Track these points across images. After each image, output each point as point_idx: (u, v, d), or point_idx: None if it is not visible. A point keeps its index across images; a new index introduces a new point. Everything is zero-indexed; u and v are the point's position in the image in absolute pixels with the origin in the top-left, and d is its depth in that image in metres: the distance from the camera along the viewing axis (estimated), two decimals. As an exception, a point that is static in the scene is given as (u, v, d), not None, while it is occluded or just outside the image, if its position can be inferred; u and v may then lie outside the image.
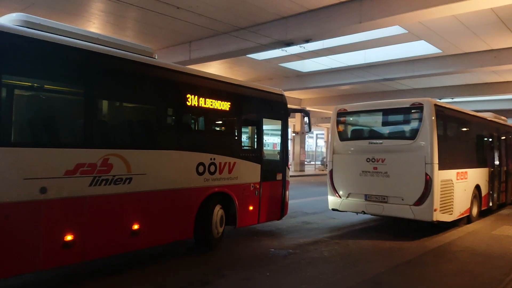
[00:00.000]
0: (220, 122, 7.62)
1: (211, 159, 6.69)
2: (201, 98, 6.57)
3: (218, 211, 6.91)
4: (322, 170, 31.16)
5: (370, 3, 9.42)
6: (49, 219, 4.67)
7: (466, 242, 7.79)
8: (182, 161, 6.27)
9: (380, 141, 8.75)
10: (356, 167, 8.84)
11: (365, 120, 9.72)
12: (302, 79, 19.47)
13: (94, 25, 12.03)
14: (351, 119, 9.69)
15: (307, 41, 11.37)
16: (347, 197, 9.02)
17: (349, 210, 9.12)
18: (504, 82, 18.78)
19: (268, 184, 7.99)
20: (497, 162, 11.75)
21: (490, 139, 11.52)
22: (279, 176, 8.27)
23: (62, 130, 5.18)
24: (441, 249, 7.25)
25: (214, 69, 17.71)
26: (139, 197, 5.59)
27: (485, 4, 8.45)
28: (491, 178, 11.18)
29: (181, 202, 6.28)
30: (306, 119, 8.77)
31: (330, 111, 9.98)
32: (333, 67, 16.70)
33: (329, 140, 9.77)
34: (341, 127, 9.57)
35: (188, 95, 6.40)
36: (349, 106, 9.65)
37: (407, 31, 11.96)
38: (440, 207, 8.03)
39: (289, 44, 11.63)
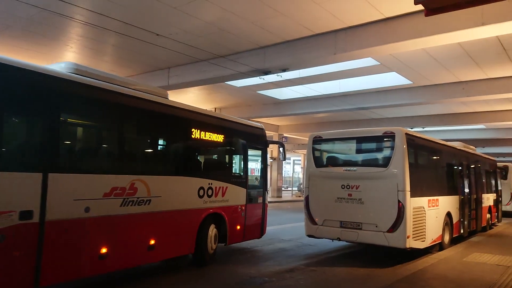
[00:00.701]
0: (216, 152, 8.70)
1: (209, 184, 7.63)
2: (202, 132, 7.64)
3: (212, 229, 7.79)
4: (299, 196, 31.22)
5: (344, 36, 9.81)
6: (91, 234, 5.48)
7: (438, 269, 7.91)
8: (187, 186, 7.21)
9: (354, 168, 8.92)
10: (332, 193, 8.95)
11: (339, 148, 9.92)
12: (279, 106, 19.79)
13: (72, 49, 11.99)
14: (326, 146, 9.87)
15: (284, 70, 11.65)
16: (323, 223, 9.07)
17: (325, 236, 9.16)
18: (472, 112, 19.60)
19: (252, 206, 9.00)
20: (467, 190, 12.09)
21: (460, 168, 11.89)
22: (260, 199, 9.37)
23: (102, 158, 6.17)
24: (414, 276, 7.32)
25: (193, 95, 17.80)
26: (155, 216, 6.43)
27: (452, 39, 8.92)
28: (462, 206, 11.47)
29: (187, 221, 7.18)
30: (281, 149, 10.10)
31: (306, 138, 10.14)
32: (309, 95, 17.10)
33: (305, 166, 9.88)
34: (316, 154, 9.72)
35: (193, 129, 7.47)
36: (324, 134, 9.84)
37: (379, 63, 12.44)
38: (413, 234, 8.17)
39: (266, 72, 11.88)
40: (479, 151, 16.25)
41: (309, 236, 9.35)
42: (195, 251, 7.33)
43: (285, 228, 12.85)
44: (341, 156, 9.84)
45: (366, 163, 9.00)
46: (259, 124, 9.83)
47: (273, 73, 12.07)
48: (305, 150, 10.15)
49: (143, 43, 10.75)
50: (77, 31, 10.74)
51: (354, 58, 10.86)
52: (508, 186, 19.92)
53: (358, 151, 9.35)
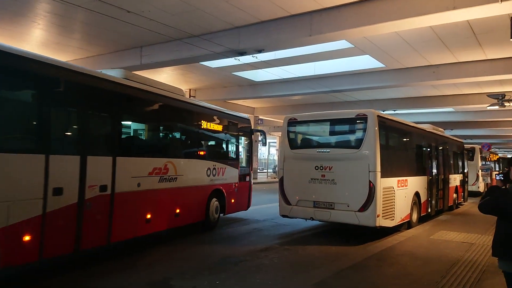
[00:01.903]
0: (217, 138, 10.30)
1: (213, 165, 9.43)
2: (209, 123, 9.54)
3: (214, 202, 9.55)
4: (274, 178, 31.53)
5: (319, 17, 9.79)
6: (141, 203, 7.11)
7: (406, 247, 8.22)
8: (199, 167, 9.02)
9: (328, 149, 9.06)
10: (305, 174, 9.08)
11: (314, 130, 10.02)
12: (255, 88, 19.69)
13: (39, 26, 11.46)
14: (301, 128, 9.95)
15: (259, 51, 11.55)
16: (297, 204, 9.22)
17: (299, 216, 9.33)
18: (441, 95, 20.12)
19: (242, 183, 10.84)
20: (435, 171, 12.52)
21: (429, 149, 12.27)
22: (247, 178, 11.21)
23: (147, 145, 8.08)
24: (383, 254, 7.59)
25: (166, 75, 17.46)
26: (179, 190, 8.17)
27: (424, 22, 9.04)
28: (430, 186, 11.89)
29: (199, 195, 8.98)
30: (262, 137, 11.89)
31: (282, 120, 10.20)
32: (285, 77, 17.06)
33: (280, 148, 9.95)
34: (291, 136, 9.80)
35: (203, 121, 9.32)
36: (299, 116, 9.91)
37: (353, 46, 12.52)
38: (383, 213, 8.44)
39: (242, 53, 11.76)
40: (447, 133, 16.78)
41: (283, 216, 9.50)
42: (205, 218, 9.21)
43: (260, 208, 12.99)
44: (315, 138, 9.97)
45: (339, 145, 9.15)
46: (246, 115, 11.59)
47: (249, 54, 11.95)
48: (280, 133, 10.21)
49: (114, 20, 10.39)
50: (44, 7, 10.26)
51: (329, 40, 10.88)
52: (474, 167, 20.73)
53: (332, 133, 9.49)
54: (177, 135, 8.91)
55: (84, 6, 9.57)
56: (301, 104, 24.64)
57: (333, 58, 14.43)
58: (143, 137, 8.19)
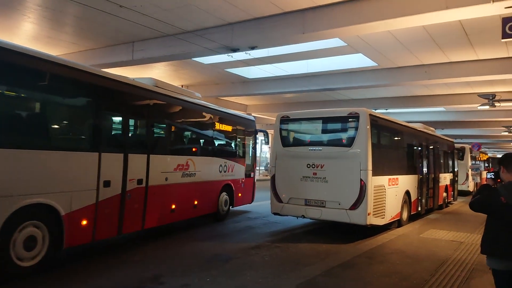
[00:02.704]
0: (227, 138, 11.25)
1: (224, 162, 10.51)
2: (221, 124, 10.63)
3: (223, 196, 10.59)
4: (266, 175, 31.53)
5: (312, 15, 9.75)
6: (168, 195, 8.12)
7: (396, 245, 8.28)
8: (213, 164, 10.08)
9: (320, 147, 9.07)
10: (297, 172, 9.09)
11: (306, 128, 10.03)
12: (247, 85, 19.61)
13: (30, 19, 11.27)
14: (293, 126, 9.96)
15: (252, 48, 11.48)
16: (288, 201, 9.23)
17: (290, 214, 9.34)
18: (433, 95, 20.21)
19: (247, 179, 11.98)
20: (425, 170, 12.62)
21: (420, 148, 12.36)
22: (252, 174, 12.37)
23: (173, 144, 8.96)
24: (373, 251, 7.64)
25: (159, 71, 17.32)
26: (197, 185, 9.21)
27: (417, 21, 9.05)
28: (420, 185, 11.98)
29: (212, 189, 10.02)
30: (264, 136, 13.44)
31: (274, 118, 10.21)
32: (277, 75, 17.02)
33: (272, 146, 9.96)
34: (283, 134, 9.79)
35: (216, 122, 10.42)
36: (292, 114, 9.91)
37: (346, 44, 12.50)
38: (373, 212, 8.48)
39: (234, 50, 11.68)
40: (438, 132, 16.90)
41: (275, 213, 9.52)
42: (216, 211, 10.26)
43: (251, 206, 12.98)
44: (307, 136, 9.98)
45: (331, 143, 9.17)
46: (251, 116, 13.25)
47: (242, 51, 11.87)
48: (273, 130, 10.22)
49: (105, 15, 10.25)
50: (34, 0, 10.09)
51: (322, 38, 10.85)
52: (464, 166, 20.95)
53: (324, 131, 9.51)
54: (196, 135, 9.98)
55: (76, 0, 9.44)
56: (294, 102, 24.62)
57: (326, 56, 14.41)
58: (170, 137, 8.96)
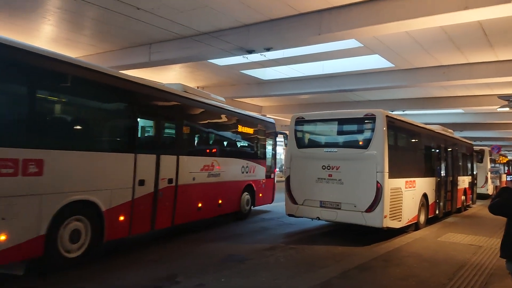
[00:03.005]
0: (249, 140, 11.65)
1: (246, 163, 10.97)
2: (244, 127, 11.05)
3: (245, 195, 11.08)
4: (281, 177, 31.46)
5: (329, 16, 9.71)
6: (195, 194, 8.63)
7: (413, 248, 8.16)
8: (236, 164, 10.53)
9: (335, 149, 9.02)
10: (312, 174, 9.05)
11: (321, 129, 9.98)
12: (262, 86, 19.63)
13: (49, 21, 11.53)
14: (308, 127, 9.91)
15: (267, 49, 11.50)
16: (303, 203, 9.20)
17: (305, 216, 9.30)
18: (451, 96, 19.88)
19: (268, 180, 12.40)
20: (443, 172, 12.41)
21: (438, 150, 12.16)
22: (272, 175, 12.73)
23: (200, 146, 9.47)
24: (389, 254, 7.54)
25: (175, 72, 17.49)
26: (221, 184, 9.67)
27: (435, 22, 8.93)
28: (438, 187, 11.79)
29: (235, 189, 10.52)
30: (284, 138, 12.97)
31: (289, 119, 10.19)
32: (293, 76, 16.99)
33: (287, 147, 9.95)
34: (298, 135, 9.77)
35: (239, 125, 10.86)
36: (307, 115, 9.88)
37: (363, 45, 12.41)
38: (390, 214, 8.38)
39: (250, 51, 11.72)
40: (457, 135, 16.60)
41: (290, 215, 9.49)
42: (239, 210, 10.75)
43: (266, 207, 12.98)
44: (323, 137, 9.92)
45: (346, 145, 9.10)
46: (272, 120, 13.32)
47: (257, 52, 11.90)
48: (288, 131, 10.21)
49: (123, 17, 10.41)
50: (54, 3, 10.32)
51: (339, 39, 10.80)
52: (483, 169, 20.53)
53: (340, 132, 9.44)
54: (220, 137, 10.38)
55: (94, 3, 9.61)
56: (309, 104, 24.52)
57: (342, 57, 14.33)
58: (197, 139, 9.44)
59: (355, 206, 8.41)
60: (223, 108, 10.22)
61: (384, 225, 8.20)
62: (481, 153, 20.49)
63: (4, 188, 4.89)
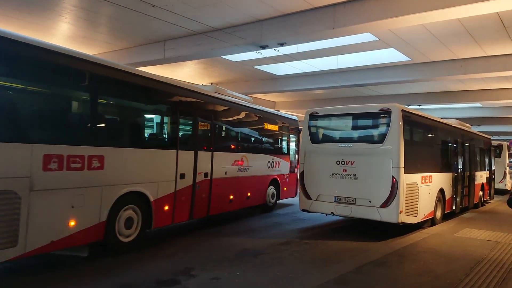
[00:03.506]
0: (274, 136, 12.27)
1: (272, 158, 11.63)
2: (269, 124, 11.75)
3: (271, 189, 11.71)
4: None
5: (343, 9, 9.64)
6: (227, 187, 9.33)
7: (429, 244, 8.08)
8: (263, 160, 11.19)
9: (350, 144, 8.96)
10: (326, 169, 9.02)
11: (336, 124, 9.92)
12: (276, 82, 19.62)
13: (66, 19, 11.73)
14: (322, 122, 9.86)
15: (281, 44, 11.48)
16: (317, 198, 9.18)
17: (319, 211, 9.29)
18: (469, 90, 19.55)
19: (292, 174, 12.87)
20: (460, 167, 12.22)
21: (455, 145, 11.98)
22: (296, 170, 12.94)
23: (228, 143, 10.07)
24: (405, 250, 7.49)
25: (189, 69, 17.61)
26: (250, 178, 10.39)
27: (453, 14, 8.78)
28: (455, 183, 11.63)
29: (262, 183, 11.19)
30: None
31: (303, 115, 10.17)
32: (307, 71, 16.92)
33: (301, 142, 9.93)
34: (312, 130, 9.73)
35: (265, 123, 11.57)
36: (321, 110, 9.84)
37: (378, 39, 12.28)
38: (406, 209, 8.30)
39: (263, 47, 11.71)
40: (474, 129, 16.33)
41: (304, 210, 9.48)
42: (265, 202, 11.41)
43: (280, 203, 12.99)
44: (337, 132, 9.85)
45: (361, 139, 9.03)
46: (295, 116, 13.84)
47: (271, 48, 11.89)
48: (302, 127, 10.20)
49: (138, 15, 10.53)
50: (70, 1, 10.48)
51: (353, 33, 10.71)
52: (501, 164, 20.15)
53: (354, 127, 9.36)
54: (248, 134, 11.08)
55: (110, 0, 9.73)
56: (323, 99, 24.40)
57: (356, 51, 14.21)
58: (228, 136, 10.18)
59: (370, 202, 8.36)
60: (250, 107, 10.94)
61: (400, 221, 8.13)
62: (499, 147, 20.07)
63: (73, 180, 5.60)
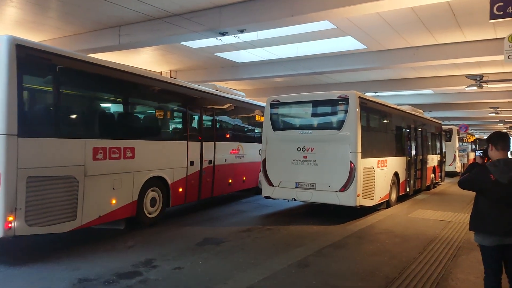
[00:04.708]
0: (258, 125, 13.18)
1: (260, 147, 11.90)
2: (260, 117, 12.47)
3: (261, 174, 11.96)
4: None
5: (301, -3, 9.67)
6: (226, 172, 10.59)
7: (385, 225, 8.42)
8: (255, 148, 11.96)
9: (310, 131, 9.11)
10: (288, 156, 9.13)
11: (296, 111, 10.04)
12: (237, 70, 19.46)
13: (13, 3, 10.97)
14: (283, 110, 9.95)
15: (241, 31, 11.35)
16: (279, 185, 9.29)
17: (281, 197, 9.42)
18: (421, 77, 20.31)
19: None
20: (413, 152, 12.77)
21: (408, 130, 12.48)
22: None
23: (230, 133, 11.40)
24: (363, 232, 7.77)
25: (146, 55, 17.08)
26: (245, 165, 11.51)
27: (406, 3, 9.03)
28: (408, 166, 12.14)
29: (255, 168, 12.07)
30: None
31: (264, 103, 10.21)
32: (267, 58, 16.91)
33: (263, 130, 9.97)
34: (274, 118, 9.79)
35: (257, 116, 12.89)
36: (282, 97, 9.90)
37: (335, 27, 12.44)
38: (363, 193, 8.59)
39: (223, 33, 11.54)
40: (426, 115, 17.05)
41: (266, 197, 9.58)
42: (257, 185, 12.24)
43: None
44: (298, 120, 9.98)
45: (321, 126, 9.20)
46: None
47: (230, 34, 11.74)
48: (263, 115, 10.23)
49: (91, -2, 10.07)
50: (16, -17, 9.84)
51: (311, 20, 10.77)
52: (452, 147, 21.25)
53: (314, 114, 9.52)
54: (243, 125, 12.38)
55: (59, -17, 9.21)
56: (284, 86, 24.54)
57: (315, 39, 14.34)
58: (227, 128, 11.41)
59: (329, 186, 8.57)
60: (244, 102, 12.29)
61: (357, 204, 8.41)
62: (449, 132, 21.17)
63: (113, 167, 6.96)
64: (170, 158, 8.50)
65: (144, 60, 17.72)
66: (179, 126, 9.54)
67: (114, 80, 7.34)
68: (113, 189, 6.96)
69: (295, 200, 9.17)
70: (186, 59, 18.17)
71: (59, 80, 6.22)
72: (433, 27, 12.11)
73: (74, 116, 6.91)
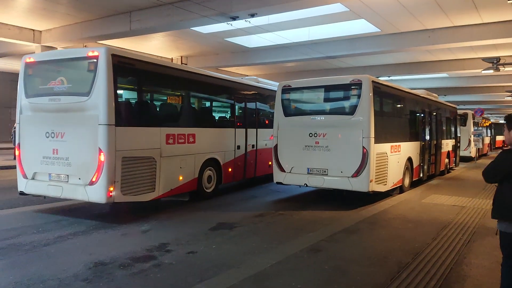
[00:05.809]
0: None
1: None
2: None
3: None
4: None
5: (313, -21, 9.51)
6: (266, 155, 11.41)
7: (398, 210, 8.37)
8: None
9: (322, 116, 9.03)
10: (299, 141, 9.09)
11: (308, 96, 9.94)
12: (248, 54, 19.36)
13: (23, -10, 11.07)
14: (295, 95, 9.86)
15: (252, 15, 11.27)
16: (291, 171, 9.29)
17: (293, 183, 9.42)
18: (436, 61, 19.95)
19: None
20: (427, 136, 12.59)
21: (422, 115, 12.29)
22: None
23: (269, 121, 11.71)
24: (375, 217, 7.73)
25: (157, 41, 17.07)
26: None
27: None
28: (422, 151, 12.00)
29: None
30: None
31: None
32: (278, 43, 16.76)
33: (274, 115, 9.93)
34: (285, 103, 9.72)
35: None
36: (293, 82, 9.81)
37: (348, 9, 12.24)
38: (376, 178, 8.53)
39: (234, 18, 11.47)
40: (441, 99, 16.77)
41: (278, 183, 9.59)
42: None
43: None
44: (309, 105, 9.90)
45: (333, 111, 9.11)
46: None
47: (241, 19, 11.66)
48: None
49: (101, -16, 10.05)
50: (26, -30, 9.87)
51: (323, 3, 10.62)
52: (466, 132, 20.91)
53: (326, 99, 9.42)
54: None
55: (69, -31, 9.20)
56: (295, 71, 24.36)
57: (327, 22, 14.13)
58: (266, 116, 12.30)
59: (341, 172, 8.52)
60: (264, 88, 13.00)
61: (370, 189, 8.36)
62: (464, 116, 20.80)
63: (180, 150, 8.42)
64: (221, 143, 9.90)
65: (155, 46, 17.72)
66: (228, 115, 11.13)
67: (180, 79, 8.95)
68: (180, 168, 8.45)
69: (307, 186, 9.16)
70: (197, 45, 18.10)
71: (141, 81, 7.83)
72: (449, 8, 11.81)
73: (152, 109, 8.39)
